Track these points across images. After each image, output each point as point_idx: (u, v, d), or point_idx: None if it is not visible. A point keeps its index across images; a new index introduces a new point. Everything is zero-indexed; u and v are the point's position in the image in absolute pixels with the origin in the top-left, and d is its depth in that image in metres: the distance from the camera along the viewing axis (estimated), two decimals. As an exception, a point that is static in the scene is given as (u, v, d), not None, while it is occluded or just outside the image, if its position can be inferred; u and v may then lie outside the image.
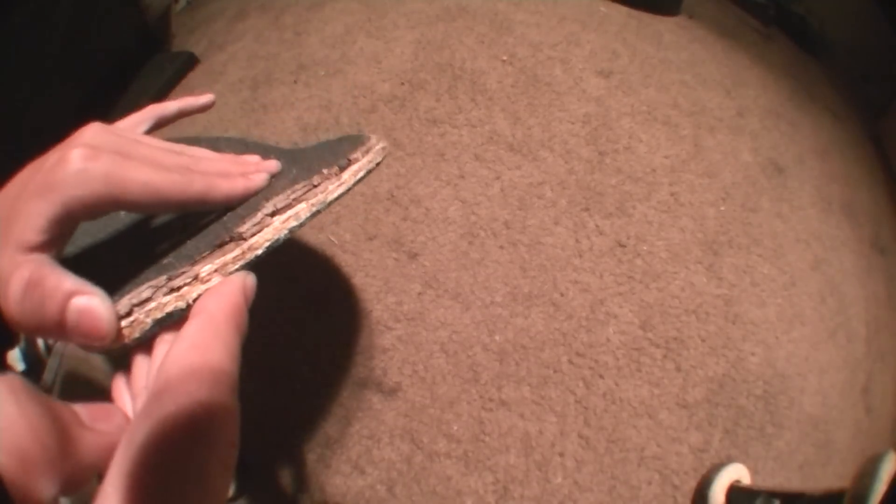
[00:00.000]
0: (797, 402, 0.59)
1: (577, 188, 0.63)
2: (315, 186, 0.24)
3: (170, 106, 0.31)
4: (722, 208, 0.66)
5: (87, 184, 0.19)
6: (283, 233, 0.23)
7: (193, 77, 0.80)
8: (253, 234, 0.22)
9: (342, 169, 0.26)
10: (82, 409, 0.17)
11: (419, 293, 0.57)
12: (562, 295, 0.57)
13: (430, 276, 0.57)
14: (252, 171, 0.25)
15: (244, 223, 0.22)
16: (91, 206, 0.19)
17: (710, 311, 0.59)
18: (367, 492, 0.50)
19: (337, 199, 0.25)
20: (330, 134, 0.66)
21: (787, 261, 0.66)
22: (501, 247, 0.59)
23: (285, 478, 0.51)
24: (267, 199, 0.23)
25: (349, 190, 0.25)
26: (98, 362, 0.47)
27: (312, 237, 0.60)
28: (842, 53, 1.09)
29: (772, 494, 0.46)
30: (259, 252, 0.22)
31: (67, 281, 0.18)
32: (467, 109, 0.67)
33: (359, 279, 0.57)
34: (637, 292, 0.58)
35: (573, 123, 0.68)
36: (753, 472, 0.52)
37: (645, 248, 0.61)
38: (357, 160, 0.26)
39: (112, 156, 0.20)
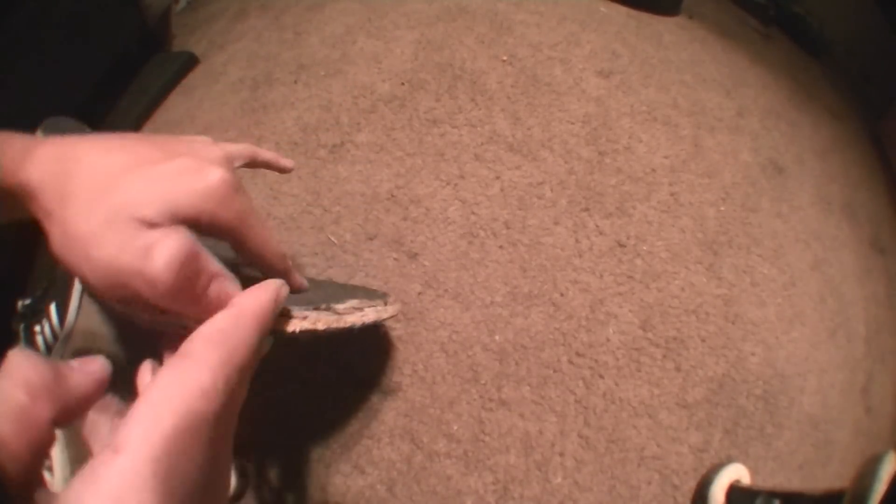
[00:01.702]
0: (797, 402, 0.59)
1: (577, 188, 0.63)
2: (374, 305, 0.35)
3: (264, 154, 0.34)
4: (722, 208, 0.66)
5: (223, 208, 0.23)
6: (358, 324, 0.31)
7: (193, 77, 0.80)
8: (344, 314, 0.30)
9: (386, 303, 0.37)
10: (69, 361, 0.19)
11: (419, 293, 0.57)
12: (562, 295, 0.57)
13: (430, 276, 0.57)
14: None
15: (340, 303, 0.30)
16: (210, 225, 0.23)
17: (710, 311, 0.59)
18: (367, 492, 0.50)
19: (385, 319, 0.36)
20: (330, 134, 0.66)
21: (787, 261, 0.66)
22: (501, 247, 0.59)
23: (285, 478, 0.51)
24: (341, 300, 0.32)
25: (384, 319, 0.36)
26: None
27: (312, 237, 0.60)
28: (842, 53, 1.09)
29: (772, 494, 0.46)
30: (343, 326, 0.29)
31: (214, 263, 0.22)
32: (467, 109, 0.67)
33: (359, 279, 0.57)
34: (637, 292, 0.58)
35: (573, 123, 0.68)
36: (753, 472, 0.52)
37: (645, 248, 0.61)
38: (393, 303, 0.39)
39: (245, 200, 0.24)
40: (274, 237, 0.27)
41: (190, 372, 0.17)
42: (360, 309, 0.32)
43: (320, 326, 0.26)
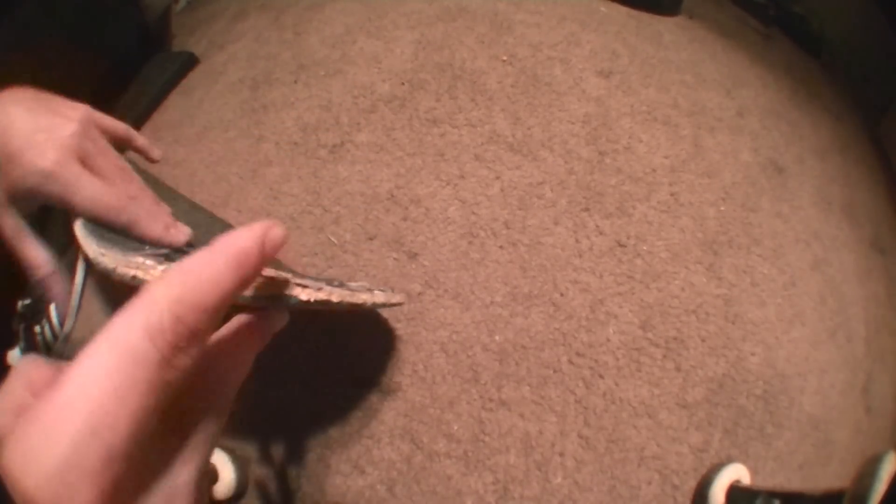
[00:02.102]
0: (797, 402, 0.59)
1: (577, 188, 0.63)
2: (382, 290, 0.38)
3: (138, 140, 0.38)
4: (722, 208, 0.66)
5: (46, 185, 0.29)
6: (369, 302, 0.32)
7: (193, 77, 0.80)
8: (356, 290, 0.31)
9: (393, 292, 0.40)
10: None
11: (419, 293, 0.57)
12: (562, 295, 0.57)
13: (430, 276, 0.57)
14: (173, 228, 0.34)
15: (351, 282, 0.34)
16: (41, 201, 0.30)
17: (710, 311, 0.59)
18: (367, 492, 0.50)
19: (393, 304, 0.38)
20: (330, 134, 0.66)
21: (787, 261, 0.66)
22: (501, 247, 0.59)
23: (285, 478, 0.51)
24: (351, 281, 0.35)
25: (393, 304, 0.38)
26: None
27: (312, 237, 0.60)
28: (842, 53, 1.09)
29: (772, 494, 0.46)
30: (356, 302, 0.30)
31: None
32: (467, 109, 0.67)
33: (359, 279, 0.57)
34: (637, 292, 0.58)
35: (573, 123, 0.68)
36: (753, 472, 0.52)
37: (645, 248, 0.61)
38: (396, 294, 0.41)
39: (74, 168, 0.30)
40: (107, 192, 0.31)
41: (137, 310, 0.16)
42: (370, 290, 0.34)
43: (335, 298, 0.27)
